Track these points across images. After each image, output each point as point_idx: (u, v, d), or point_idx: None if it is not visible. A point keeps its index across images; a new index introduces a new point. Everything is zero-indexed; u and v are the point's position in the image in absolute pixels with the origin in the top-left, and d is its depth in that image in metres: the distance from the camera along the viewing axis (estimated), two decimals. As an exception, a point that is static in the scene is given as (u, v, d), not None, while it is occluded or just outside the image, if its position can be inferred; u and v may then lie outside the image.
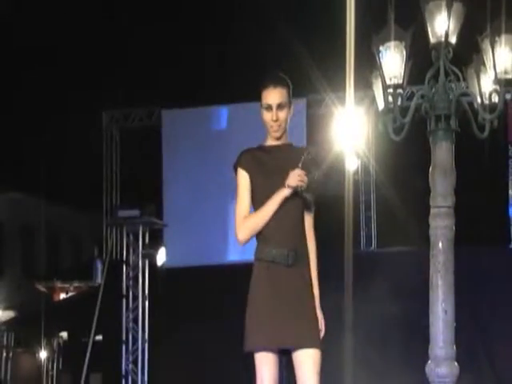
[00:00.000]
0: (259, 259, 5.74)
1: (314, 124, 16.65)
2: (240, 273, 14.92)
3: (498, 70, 8.21)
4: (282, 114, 5.71)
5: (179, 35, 20.77)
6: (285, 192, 5.47)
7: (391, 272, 15.19)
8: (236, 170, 5.80)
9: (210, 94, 18.17)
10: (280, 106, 5.69)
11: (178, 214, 17.39)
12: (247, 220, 5.68)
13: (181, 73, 20.47)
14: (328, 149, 14.34)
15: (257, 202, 5.69)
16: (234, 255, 16.51)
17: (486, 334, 13.64)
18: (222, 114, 17.84)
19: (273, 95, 5.71)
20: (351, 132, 14.34)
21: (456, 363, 8.43)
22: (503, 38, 8.20)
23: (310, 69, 15.13)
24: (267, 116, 5.72)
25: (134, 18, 21.90)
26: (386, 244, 17.14)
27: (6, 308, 24.99)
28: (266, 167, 5.76)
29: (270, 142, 5.84)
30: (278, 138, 5.79)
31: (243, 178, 5.74)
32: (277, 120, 5.70)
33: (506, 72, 8.25)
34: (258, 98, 5.75)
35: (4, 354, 20.72)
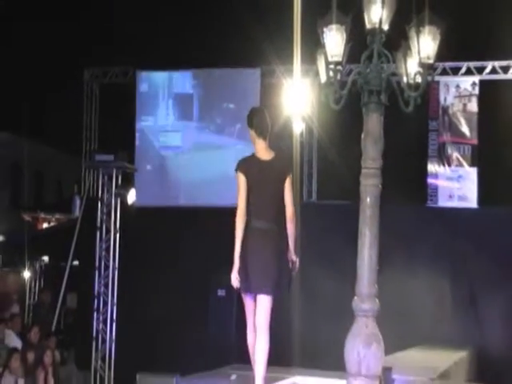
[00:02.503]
0: (250, 228, 6.77)
1: (266, 91, 16.68)
2: (195, 214, 15.33)
3: (421, 55, 8.34)
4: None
5: (157, 5, 20.44)
6: None
7: (328, 221, 15.58)
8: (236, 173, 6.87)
9: (179, 59, 17.98)
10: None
11: (147, 161, 17.57)
12: (238, 223, 6.76)
13: (155, 38, 20.12)
14: (279, 113, 14.62)
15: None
16: (189, 199, 16.84)
17: (399, 274, 13.90)
18: (187, 78, 17.70)
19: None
20: (298, 100, 14.33)
21: (377, 300, 8.57)
22: (427, 28, 8.34)
23: (265, 43, 15.18)
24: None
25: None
26: (324, 197, 17.33)
27: (-4, 233, 24.80)
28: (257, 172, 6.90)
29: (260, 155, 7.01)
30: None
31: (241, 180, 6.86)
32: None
33: (428, 57, 8.36)
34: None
35: (-8, 272, 20.94)
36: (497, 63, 16.19)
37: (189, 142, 17.50)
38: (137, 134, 17.71)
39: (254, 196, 6.86)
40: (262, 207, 6.89)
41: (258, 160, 7.03)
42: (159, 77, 17.81)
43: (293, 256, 7.05)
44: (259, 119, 7.16)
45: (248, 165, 6.96)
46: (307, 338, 13.62)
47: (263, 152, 7.07)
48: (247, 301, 6.98)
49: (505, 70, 16.18)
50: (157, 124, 17.73)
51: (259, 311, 6.87)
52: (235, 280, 6.72)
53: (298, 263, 7.13)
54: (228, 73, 17.42)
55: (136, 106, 17.74)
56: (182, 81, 17.76)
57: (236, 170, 6.91)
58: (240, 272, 6.73)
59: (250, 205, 6.84)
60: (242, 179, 6.84)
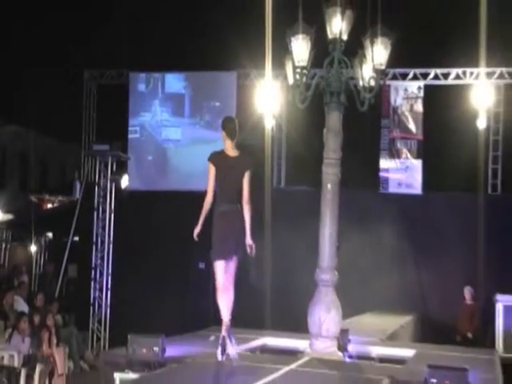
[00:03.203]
0: (217, 210, 7.45)
1: (242, 92, 16.61)
2: (178, 197, 15.20)
3: (375, 62, 8.51)
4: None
5: (148, 15, 20.23)
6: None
7: (295, 203, 15.52)
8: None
9: (167, 63, 17.84)
10: None
11: (138, 151, 17.37)
12: (205, 203, 7.48)
13: (146, 45, 19.96)
14: (253, 111, 14.58)
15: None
16: (177, 184, 16.67)
17: (356, 249, 13.93)
18: (179, 80, 17.54)
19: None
20: (269, 100, 14.24)
21: (336, 272, 8.75)
22: (379, 39, 8.49)
23: (241, 50, 15.10)
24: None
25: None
26: (291, 184, 17.31)
27: (6, 212, 24.52)
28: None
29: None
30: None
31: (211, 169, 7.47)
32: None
33: (380, 64, 8.54)
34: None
35: (3, 246, 20.67)
36: (439, 70, 16.29)
37: (187, 137, 17.35)
38: (136, 128, 17.52)
39: (221, 184, 7.49)
40: (227, 193, 7.50)
41: (226, 155, 7.57)
42: (155, 78, 17.59)
43: (250, 240, 7.48)
44: (230, 125, 7.67)
45: (218, 158, 7.55)
46: (277, 305, 13.64)
47: (230, 150, 7.60)
48: (217, 266, 7.54)
49: (445, 76, 16.29)
50: (154, 119, 17.54)
51: (229, 272, 7.58)
52: (196, 236, 7.45)
53: (254, 248, 7.51)
54: (212, 75, 17.31)
55: (130, 104, 17.51)
56: (175, 82, 17.59)
57: (208, 159, 7.52)
58: (213, 242, 7.48)
59: (217, 190, 7.51)
60: (212, 169, 7.49)
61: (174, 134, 17.36)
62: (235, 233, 7.49)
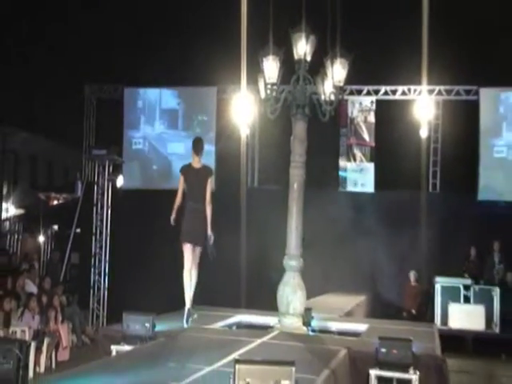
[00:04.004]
0: (186, 206, 8.43)
1: (221, 104, 16.41)
2: (169, 194, 15.12)
3: (334, 80, 8.52)
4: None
5: (140, 37, 20.06)
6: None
7: (266, 201, 15.44)
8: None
9: (158, 78, 17.58)
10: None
11: (132, 155, 17.15)
12: (176, 202, 8.49)
13: (139, 63, 19.74)
14: (230, 121, 14.48)
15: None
16: (165, 184, 16.46)
17: (319, 239, 13.88)
18: (173, 97, 17.21)
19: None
20: (244, 111, 14.20)
21: (301, 259, 8.79)
22: (338, 60, 8.52)
23: (220, 67, 14.92)
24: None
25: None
26: (263, 183, 17.21)
27: (18, 207, 24.36)
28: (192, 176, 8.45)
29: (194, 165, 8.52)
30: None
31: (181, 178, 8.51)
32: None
33: (339, 81, 8.56)
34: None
35: (16, 237, 20.61)
36: (388, 87, 16.34)
37: (189, 150, 17.00)
38: (140, 140, 17.18)
39: (189, 188, 8.48)
40: (193, 194, 8.45)
41: (193, 167, 8.60)
42: (152, 94, 17.27)
43: (209, 232, 8.31)
44: (198, 145, 8.70)
45: (186, 170, 8.60)
46: (251, 288, 13.59)
47: (196, 163, 8.61)
48: (186, 249, 8.46)
49: (393, 92, 16.34)
50: (154, 132, 17.17)
51: (194, 256, 8.49)
52: (172, 221, 8.44)
53: (212, 237, 8.32)
54: (199, 90, 17.08)
55: (125, 115, 17.23)
56: (170, 99, 17.23)
57: (180, 171, 8.64)
58: (182, 230, 8.42)
59: (186, 192, 8.49)
60: (181, 179, 8.56)
61: (178, 149, 16.87)
62: (198, 224, 8.35)
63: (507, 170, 15.37)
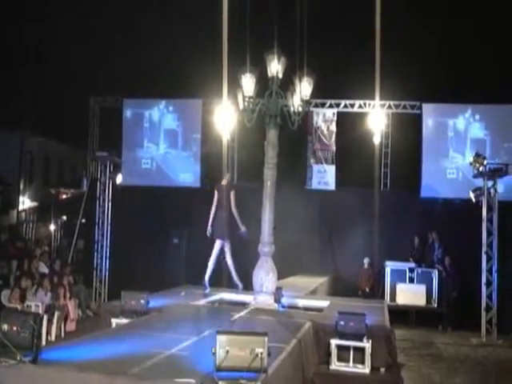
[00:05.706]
0: (217, 213, 9.81)
1: (206, 115, 16.08)
2: (163, 190, 14.91)
3: (302, 95, 8.55)
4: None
5: (138, 53, 19.86)
6: None
7: (242, 196, 15.44)
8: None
9: (153, 91, 17.38)
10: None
11: (130, 157, 16.81)
12: (212, 211, 9.93)
13: (137, 78, 19.58)
14: (214, 129, 14.36)
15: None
16: (163, 181, 16.20)
17: (287, 229, 13.89)
18: (173, 119, 16.73)
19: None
20: (226, 120, 14.02)
21: (273, 245, 8.81)
22: (305, 78, 8.56)
23: (205, 83, 14.76)
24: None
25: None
26: (241, 181, 17.19)
27: (33, 200, 24.14)
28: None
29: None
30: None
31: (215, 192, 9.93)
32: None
33: (306, 96, 8.59)
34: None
35: (30, 225, 20.61)
36: (347, 101, 16.38)
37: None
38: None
39: (219, 200, 9.83)
40: (222, 204, 9.79)
41: (222, 184, 10.06)
42: (154, 115, 16.82)
43: (241, 227, 9.65)
44: (224, 176, 10.47)
45: (218, 186, 10.03)
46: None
47: (224, 181, 10.09)
48: (217, 243, 9.91)
49: (352, 105, 16.39)
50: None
51: (222, 249, 9.98)
52: (208, 231, 9.79)
53: (243, 228, 9.67)
54: (186, 103, 16.86)
55: (122, 122, 16.86)
56: (171, 122, 16.73)
57: (214, 188, 10.06)
58: (215, 230, 9.78)
59: (217, 203, 9.85)
60: (215, 193, 9.94)
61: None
62: (226, 225, 9.78)
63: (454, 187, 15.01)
